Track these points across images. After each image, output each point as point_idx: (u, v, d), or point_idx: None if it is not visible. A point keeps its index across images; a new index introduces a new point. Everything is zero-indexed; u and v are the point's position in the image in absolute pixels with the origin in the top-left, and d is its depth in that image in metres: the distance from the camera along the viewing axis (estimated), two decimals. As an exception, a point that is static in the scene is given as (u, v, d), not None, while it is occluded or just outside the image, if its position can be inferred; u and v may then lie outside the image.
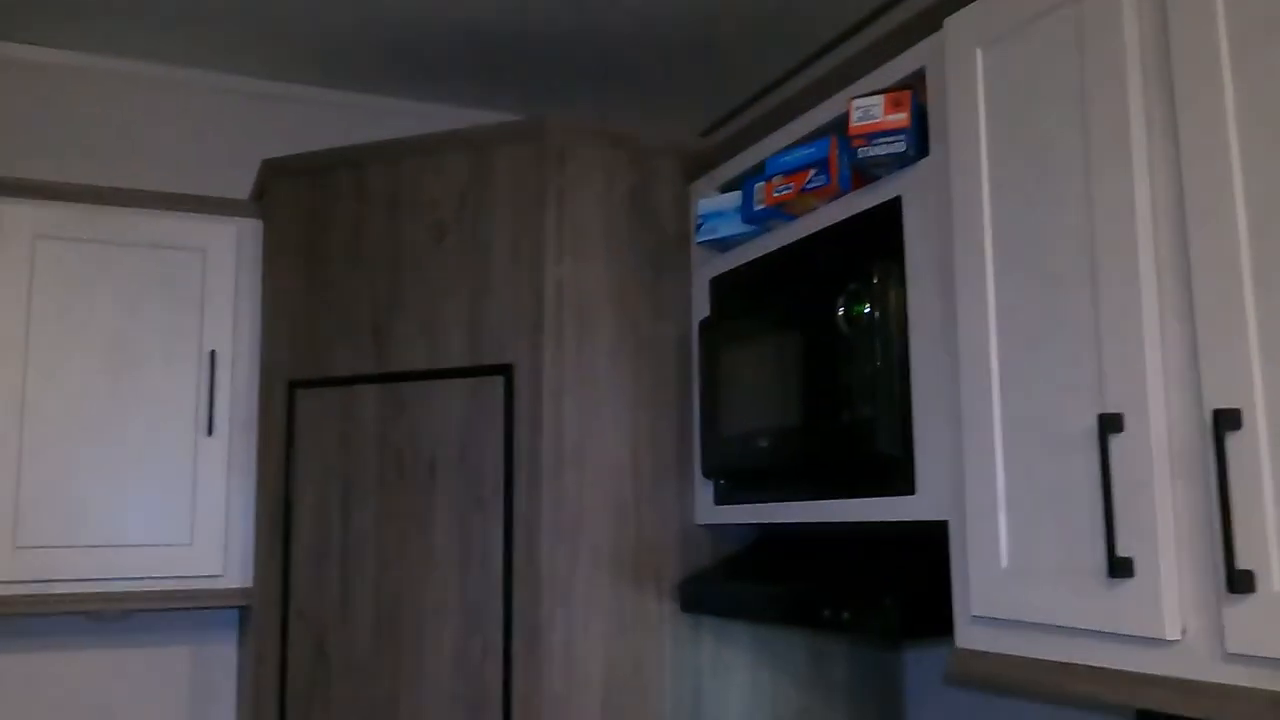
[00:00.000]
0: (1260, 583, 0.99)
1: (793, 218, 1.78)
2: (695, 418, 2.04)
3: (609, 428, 1.99)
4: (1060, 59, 1.25)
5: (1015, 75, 1.32)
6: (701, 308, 2.04)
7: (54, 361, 2.20)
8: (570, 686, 1.89)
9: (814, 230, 1.72)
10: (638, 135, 2.09)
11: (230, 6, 2.41)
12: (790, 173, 1.73)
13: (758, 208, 1.82)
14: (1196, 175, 1.08)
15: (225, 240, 2.35)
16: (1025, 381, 1.27)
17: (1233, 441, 1.02)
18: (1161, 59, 1.14)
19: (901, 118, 1.51)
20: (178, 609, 2.43)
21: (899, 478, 1.50)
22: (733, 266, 1.94)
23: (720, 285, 1.99)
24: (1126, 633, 1.12)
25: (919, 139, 1.51)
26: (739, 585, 1.82)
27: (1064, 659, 1.21)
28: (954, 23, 1.41)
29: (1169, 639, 1.08)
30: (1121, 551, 1.13)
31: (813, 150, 1.70)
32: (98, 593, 2.17)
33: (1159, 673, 1.10)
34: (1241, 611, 1.01)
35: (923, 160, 1.50)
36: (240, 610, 2.53)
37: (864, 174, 1.61)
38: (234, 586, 2.27)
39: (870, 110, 1.54)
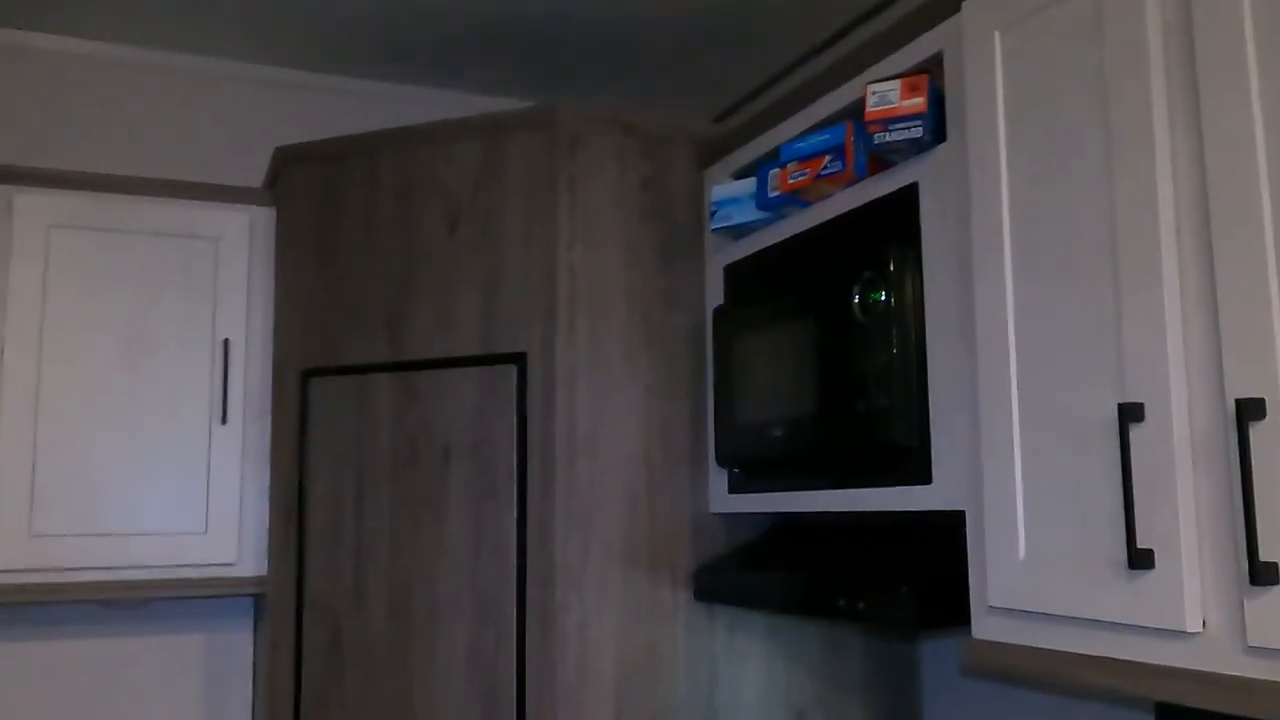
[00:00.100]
0: (1284, 575, 0.98)
1: (808, 204, 1.76)
2: (709, 406, 2.03)
3: (622, 416, 1.98)
4: (1081, 43, 1.23)
5: (1035, 59, 1.30)
6: (715, 295, 2.03)
7: (68, 350, 2.20)
8: (583, 675, 1.89)
9: (829, 217, 1.71)
10: (651, 122, 2.07)
11: (242, -7, 2.41)
12: (805, 159, 1.71)
13: (772, 194, 1.80)
14: (1220, 162, 1.06)
15: (238, 229, 2.35)
16: (1044, 370, 1.26)
17: (1256, 431, 1.01)
18: (1185, 44, 1.11)
19: (918, 103, 1.49)
20: (192, 597, 2.43)
21: (915, 467, 1.49)
22: (747, 254, 1.93)
23: (734, 273, 1.97)
24: (1146, 625, 1.11)
25: (936, 124, 1.49)
26: (753, 574, 1.81)
27: (1082, 651, 1.20)
28: (972, 6, 1.39)
29: (1190, 631, 1.07)
30: (1142, 543, 1.11)
31: (828, 136, 1.68)
32: (113, 581, 2.18)
33: (1179, 665, 1.09)
34: (1263, 604, 1.00)
35: (940, 146, 1.48)
36: (255, 598, 2.54)
37: (880, 160, 1.59)
38: (248, 575, 2.27)
39: (886, 95, 1.52)
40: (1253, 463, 1.01)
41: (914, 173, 1.52)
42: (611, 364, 1.98)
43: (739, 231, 1.94)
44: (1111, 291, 1.17)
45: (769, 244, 1.86)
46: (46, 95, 2.60)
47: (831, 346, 1.61)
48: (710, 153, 2.07)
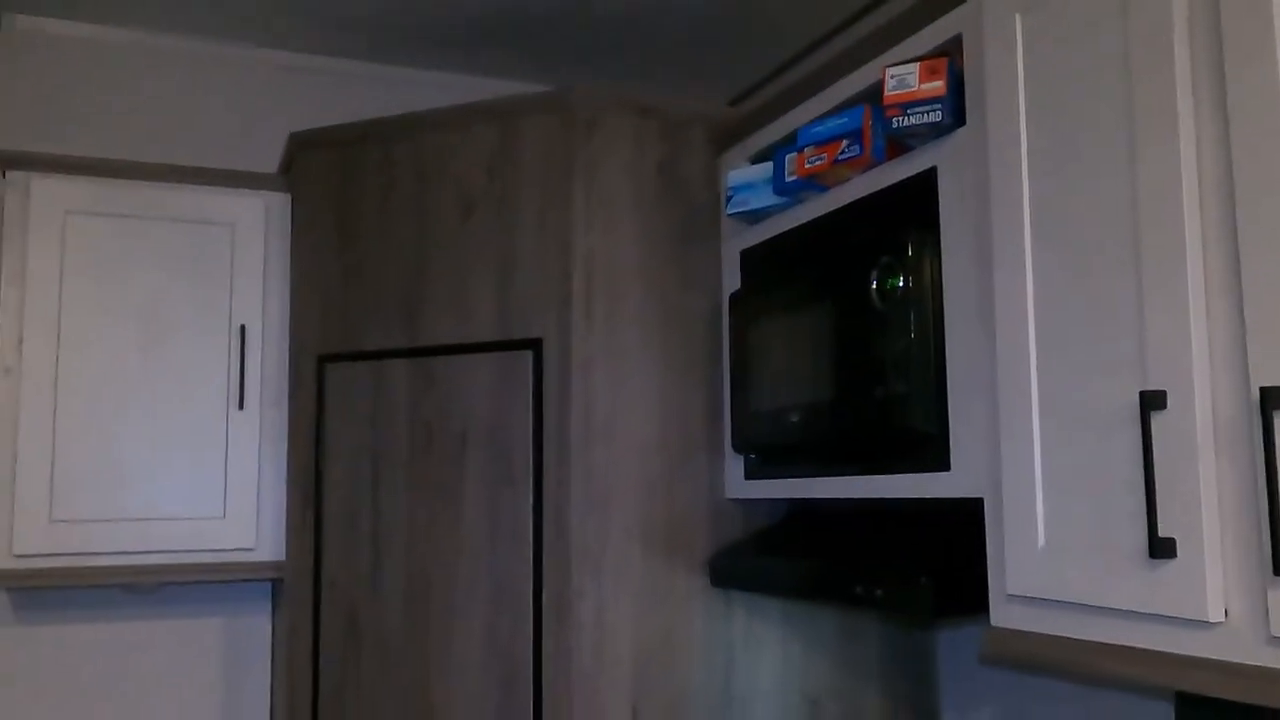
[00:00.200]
0: (1308, 565, 0.97)
1: (825, 189, 1.75)
2: (725, 391, 2.03)
3: (638, 401, 1.97)
4: (1104, 24, 1.21)
5: (1057, 41, 1.28)
6: (732, 280, 2.02)
7: (86, 336, 2.21)
8: (600, 661, 1.89)
9: (847, 202, 1.69)
10: (667, 105, 2.06)
11: (256, -22, 2.40)
12: (823, 143, 1.70)
13: (789, 179, 1.79)
14: (1246, 147, 1.04)
15: (253, 214, 2.35)
16: (1064, 356, 1.24)
17: (1281, 420, 0.99)
18: (1211, 25, 1.09)
19: (937, 86, 1.47)
20: (211, 581, 2.45)
21: (933, 454, 1.48)
22: (763, 239, 1.92)
23: (751, 258, 1.96)
24: (1168, 614, 1.10)
25: (956, 108, 1.47)
26: (770, 560, 1.80)
27: (1102, 639, 1.19)
28: (992, -13, 1.37)
29: (1211, 621, 1.06)
30: (1163, 532, 1.10)
31: (846, 120, 1.67)
32: (132, 565, 2.20)
33: (1201, 655, 1.08)
34: (1288, 594, 0.99)
35: (959, 130, 1.46)
36: (273, 583, 2.55)
37: (898, 144, 1.58)
38: (266, 559, 2.29)
39: (905, 79, 1.50)
40: (1276, 451, 0.99)
41: (933, 157, 1.51)
42: (627, 349, 1.98)
43: (755, 216, 1.93)
44: (1133, 277, 1.16)
45: (786, 229, 1.85)
46: (62, 81, 2.60)
47: (849, 332, 1.60)
48: (726, 137, 2.05)
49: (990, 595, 1.37)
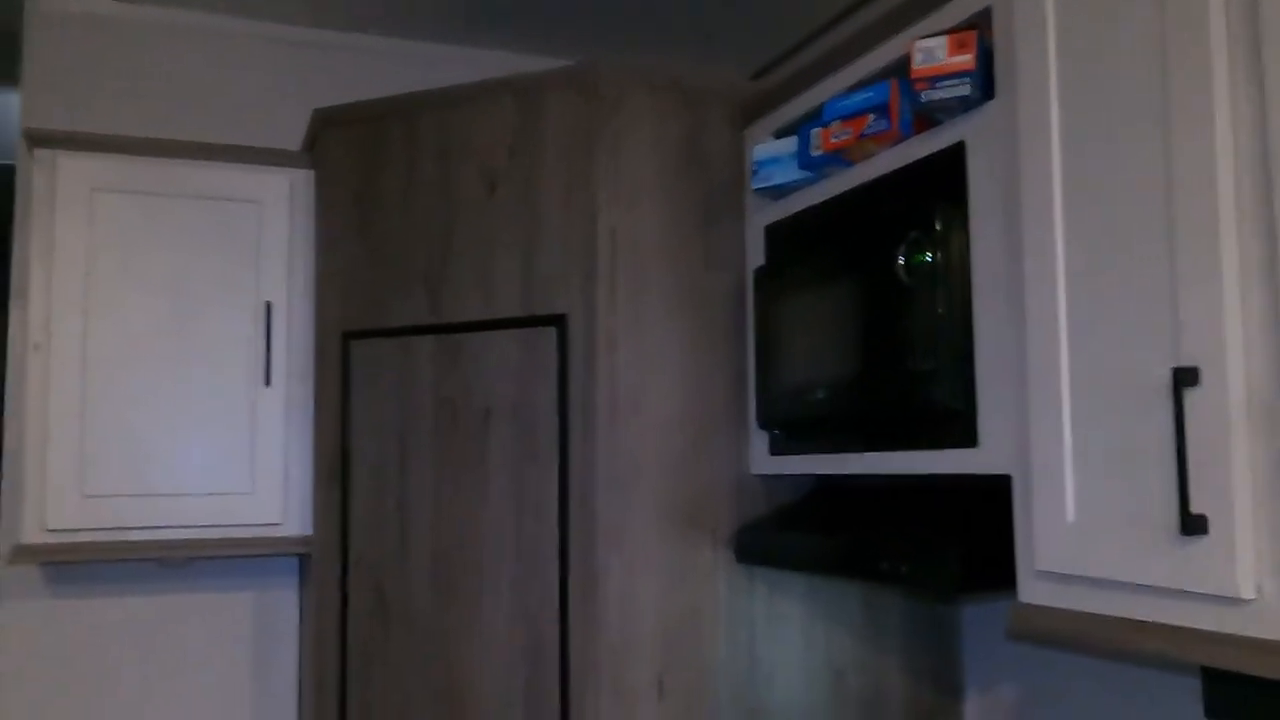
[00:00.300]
0: (1343, 542, 0.96)
1: (851, 164, 1.74)
2: (750, 367, 2.02)
3: (663, 377, 1.97)
4: (1137, -4, 1.19)
5: (1089, 13, 1.26)
6: (756, 256, 2.01)
7: (114, 313, 2.23)
8: (625, 636, 1.90)
9: (873, 177, 1.68)
10: (690, 80, 2.05)
11: (278, -46, 2.40)
12: (849, 118, 1.69)
13: (815, 154, 1.78)
14: (1284, 118, 1.03)
15: (278, 191, 2.36)
16: (1095, 331, 1.24)
17: (1316, 397, 0.99)
18: (1248, -6, 1.08)
19: (966, 59, 1.46)
20: (240, 556, 2.47)
21: (961, 430, 1.47)
22: (789, 214, 1.91)
23: (775, 233, 1.95)
24: (1199, 591, 1.10)
25: (985, 82, 1.46)
26: (795, 536, 1.81)
27: (1132, 616, 1.19)
28: (1023, -41, 1.36)
29: (1244, 598, 1.05)
30: (1195, 508, 1.09)
31: (872, 94, 1.65)
32: (162, 540, 2.22)
33: (1232, 632, 1.07)
34: (1322, 571, 0.98)
35: (988, 103, 1.45)
36: (301, 557, 2.58)
37: (926, 118, 1.56)
38: (294, 535, 2.31)
39: (933, 52, 1.48)
40: (1312, 428, 0.99)
41: (961, 131, 1.49)
42: (652, 325, 1.98)
43: (780, 191, 1.92)
44: (1166, 252, 1.14)
45: (811, 204, 1.84)
46: (88, 59, 2.60)
47: (875, 308, 1.59)
48: (751, 111, 2.04)
49: (1018, 571, 1.37)
